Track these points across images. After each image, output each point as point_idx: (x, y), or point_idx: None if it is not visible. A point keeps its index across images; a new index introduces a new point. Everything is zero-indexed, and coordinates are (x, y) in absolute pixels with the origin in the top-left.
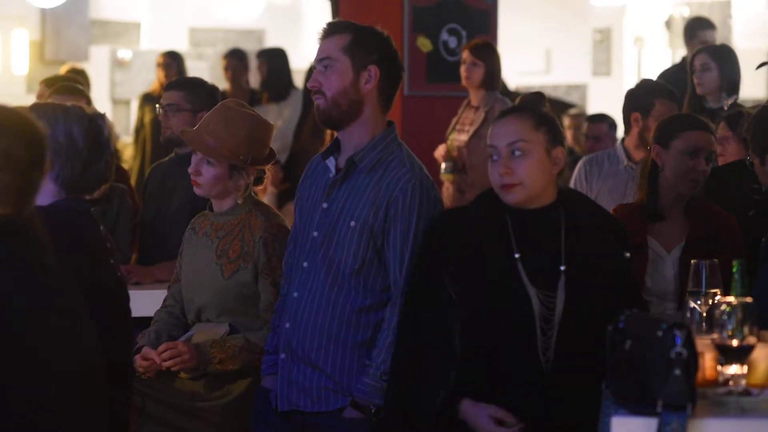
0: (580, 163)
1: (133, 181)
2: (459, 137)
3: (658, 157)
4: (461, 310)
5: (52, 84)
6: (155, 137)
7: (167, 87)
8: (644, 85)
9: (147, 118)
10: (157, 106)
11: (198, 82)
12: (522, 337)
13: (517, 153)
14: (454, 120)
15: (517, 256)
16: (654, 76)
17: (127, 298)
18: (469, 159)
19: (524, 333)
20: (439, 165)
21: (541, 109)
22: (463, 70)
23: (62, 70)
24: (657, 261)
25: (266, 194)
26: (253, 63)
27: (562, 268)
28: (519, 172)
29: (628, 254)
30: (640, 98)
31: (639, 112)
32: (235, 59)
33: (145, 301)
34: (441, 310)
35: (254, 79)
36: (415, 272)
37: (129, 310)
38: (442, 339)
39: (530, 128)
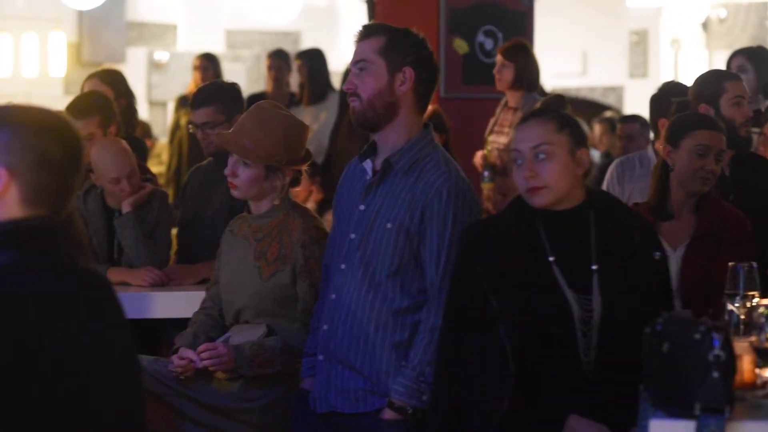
0: (612, 166)
1: (169, 180)
2: (498, 139)
3: (668, 157)
4: (503, 316)
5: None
6: (191, 139)
7: (195, 105)
8: (665, 90)
9: (183, 120)
10: (189, 126)
11: (221, 88)
12: (563, 340)
13: (542, 156)
14: (491, 121)
15: (551, 259)
16: (691, 78)
17: None
18: (510, 162)
19: (565, 336)
20: (479, 171)
21: (562, 111)
22: (495, 71)
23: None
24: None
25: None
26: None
27: (594, 267)
28: (544, 175)
29: (658, 254)
30: (662, 103)
31: (665, 118)
32: (279, 59)
33: (182, 303)
34: (489, 325)
35: (293, 81)
36: (453, 286)
37: None
38: (494, 356)
39: (553, 130)
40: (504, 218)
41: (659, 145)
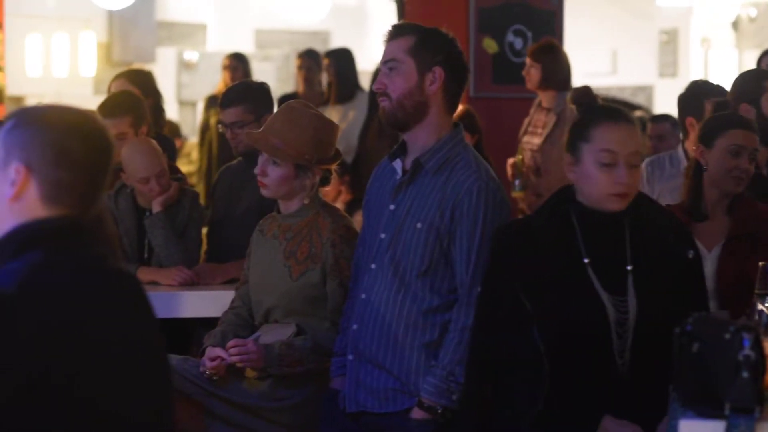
0: (642, 165)
1: (199, 180)
2: (532, 140)
3: (701, 157)
4: (537, 318)
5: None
6: (221, 138)
7: (224, 105)
8: (693, 89)
9: (212, 120)
10: (218, 126)
11: (250, 88)
12: (598, 342)
13: (634, 162)
14: (525, 121)
15: (586, 261)
16: (721, 77)
17: None
18: (543, 163)
19: (600, 338)
20: (508, 174)
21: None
22: (524, 72)
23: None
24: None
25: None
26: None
27: (629, 268)
28: (633, 183)
29: (691, 254)
30: (690, 103)
31: (693, 117)
32: (310, 59)
33: (212, 302)
34: (521, 326)
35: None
36: (485, 286)
37: None
38: (527, 358)
39: (640, 136)
40: (538, 219)
41: (689, 145)
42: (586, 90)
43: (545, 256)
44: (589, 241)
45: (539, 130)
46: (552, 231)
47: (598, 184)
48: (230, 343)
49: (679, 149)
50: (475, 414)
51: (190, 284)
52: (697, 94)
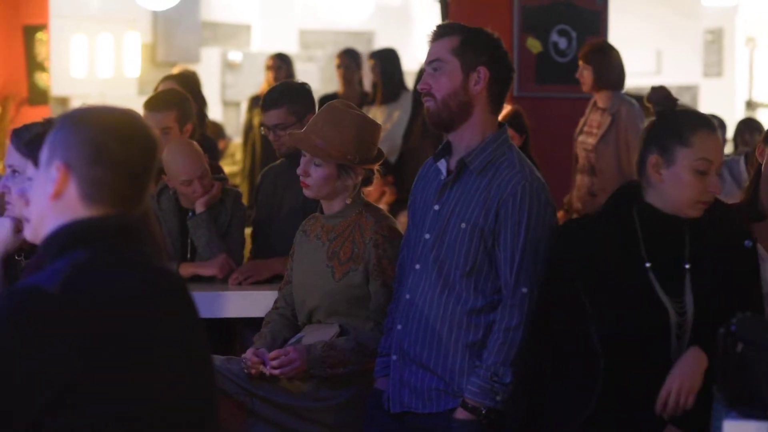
0: None
1: (243, 180)
2: (587, 140)
3: (761, 156)
4: (598, 320)
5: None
6: (264, 139)
7: (265, 107)
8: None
9: (256, 120)
10: (261, 128)
11: (291, 89)
12: (656, 345)
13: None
14: (581, 121)
15: (648, 265)
16: (765, 76)
17: None
18: (597, 163)
19: (659, 341)
20: (552, 166)
21: None
22: (577, 75)
23: (174, 70)
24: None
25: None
26: (365, 65)
27: (687, 266)
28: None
29: (749, 243)
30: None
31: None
32: (348, 58)
33: (255, 302)
34: (579, 326)
35: (366, 81)
36: (545, 285)
37: None
38: (582, 358)
39: None
40: (600, 218)
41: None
42: (666, 92)
43: (606, 257)
44: (650, 242)
45: (594, 130)
46: (613, 231)
47: (689, 190)
48: (272, 354)
49: (741, 160)
50: (522, 415)
51: (229, 271)
52: None
